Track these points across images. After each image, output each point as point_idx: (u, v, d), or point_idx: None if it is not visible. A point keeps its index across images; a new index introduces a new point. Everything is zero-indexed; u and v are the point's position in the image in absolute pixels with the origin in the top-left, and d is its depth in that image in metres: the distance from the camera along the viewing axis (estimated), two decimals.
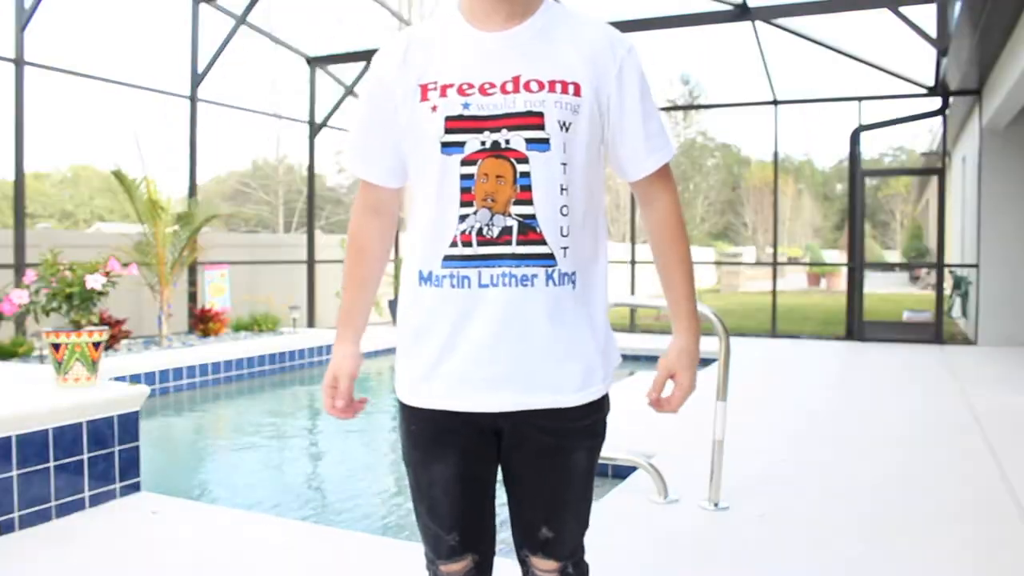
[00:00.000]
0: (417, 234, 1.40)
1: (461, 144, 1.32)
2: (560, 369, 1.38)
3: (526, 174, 1.32)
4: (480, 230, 1.32)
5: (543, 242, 1.33)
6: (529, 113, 1.32)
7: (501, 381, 1.36)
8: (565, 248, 1.35)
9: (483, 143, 1.32)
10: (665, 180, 1.46)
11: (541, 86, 1.33)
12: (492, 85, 1.33)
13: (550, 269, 1.34)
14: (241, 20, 8.90)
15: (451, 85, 1.34)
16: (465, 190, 1.33)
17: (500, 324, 1.34)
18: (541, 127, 1.32)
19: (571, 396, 1.39)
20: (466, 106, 1.33)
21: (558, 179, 1.33)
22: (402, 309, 1.46)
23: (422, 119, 1.35)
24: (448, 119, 1.33)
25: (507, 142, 1.32)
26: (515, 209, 1.32)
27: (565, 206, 1.34)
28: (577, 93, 1.34)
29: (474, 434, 1.42)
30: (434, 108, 1.34)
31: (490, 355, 1.35)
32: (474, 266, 1.33)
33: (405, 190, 1.54)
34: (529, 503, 1.47)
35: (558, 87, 1.33)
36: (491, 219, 1.32)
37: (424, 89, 1.36)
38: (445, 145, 1.33)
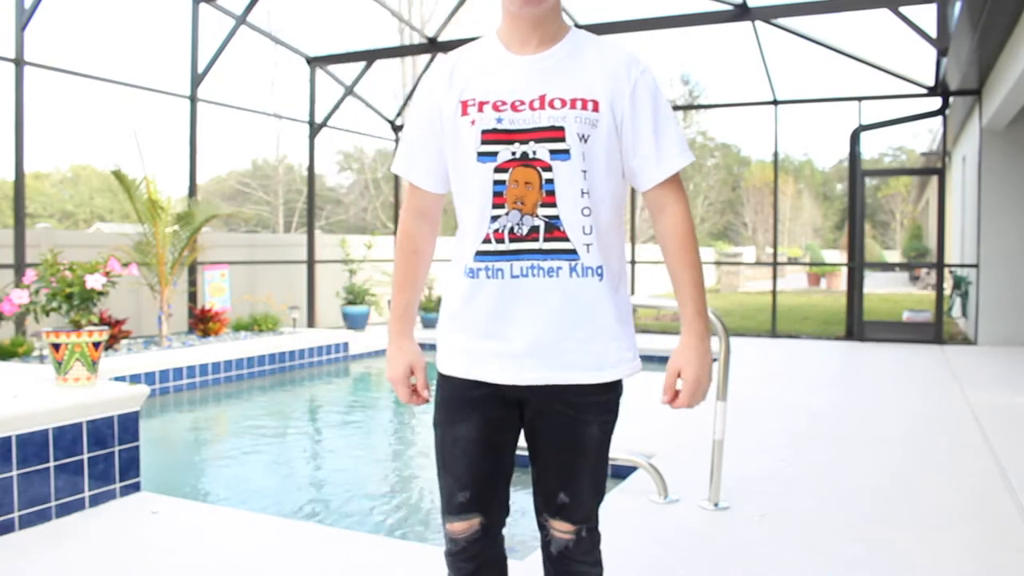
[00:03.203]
0: (461, 232, 1.60)
1: (494, 154, 1.52)
2: (581, 350, 1.54)
3: (550, 180, 1.51)
4: (511, 229, 1.51)
5: (566, 239, 1.51)
6: (552, 127, 1.50)
7: (527, 358, 1.54)
8: (588, 245, 1.52)
9: (513, 153, 1.51)
10: (674, 190, 1.59)
11: (564, 103, 1.51)
12: (522, 102, 1.51)
13: (573, 263, 1.52)
14: (241, 20, 8.90)
15: (487, 102, 1.53)
16: (497, 194, 1.52)
17: (529, 309, 1.53)
18: (562, 139, 1.50)
19: (588, 375, 1.55)
20: (499, 120, 1.52)
21: (579, 184, 1.51)
22: (445, 296, 1.66)
23: (462, 131, 1.55)
24: (484, 132, 1.52)
25: (534, 152, 1.50)
26: (542, 211, 1.51)
27: (587, 208, 1.52)
28: (595, 109, 1.51)
29: (499, 404, 1.60)
30: (472, 122, 1.53)
31: (518, 335, 1.54)
32: (506, 260, 1.52)
33: (446, 197, 1.73)
34: (548, 471, 1.63)
35: (578, 104, 1.51)
36: (521, 219, 1.51)
37: (464, 105, 1.55)
38: (481, 155, 1.53)
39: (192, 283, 8.66)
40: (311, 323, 10.40)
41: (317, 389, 7.28)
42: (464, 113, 1.54)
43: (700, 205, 28.28)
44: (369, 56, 10.34)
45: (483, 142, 1.52)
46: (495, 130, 1.51)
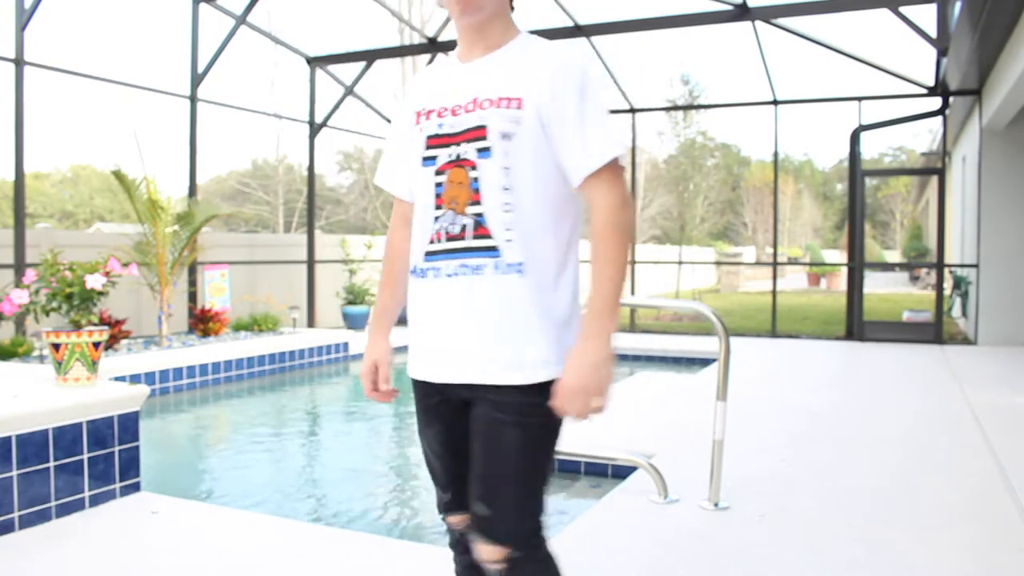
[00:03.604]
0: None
1: (434, 158, 1.58)
2: (497, 349, 1.52)
3: (476, 179, 1.54)
4: (447, 228, 1.56)
5: (490, 236, 1.53)
6: (478, 127, 1.54)
7: (452, 356, 1.56)
8: (509, 241, 1.52)
9: (450, 155, 1.56)
10: (604, 183, 1.52)
11: (491, 103, 1.54)
12: (460, 107, 1.57)
13: (496, 260, 1.52)
14: (241, 20, 8.90)
15: (433, 110, 1.61)
16: (438, 195, 1.57)
17: (456, 306, 1.55)
18: (485, 138, 1.53)
19: (502, 375, 1.52)
20: (440, 126, 1.59)
21: (501, 181, 1.52)
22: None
23: (415, 139, 1.63)
24: (428, 137, 1.60)
25: (464, 153, 1.55)
26: (470, 209, 1.54)
27: (508, 204, 1.52)
28: (519, 107, 1.52)
29: (451, 409, 1.62)
30: (421, 130, 1.62)
31: (446, 333, 1.57)
32: (444, 259, 1.56)
33: None
34: (472, 479, 1.59)
35: (503, 103, 1.53)
36: (454, 219, 1.55)
37: (417, 115, 1.64)
38: (424, 159, 1.60)
39: (192, 283, 8.66)
40: (311, 323, 10.40)
41: (317, 389, 7.28)
42: (416, 122, 1.63)
43: (700, 205, 28.27)
44: (369, 56, 10.35)
45: (427, 147, 1.59)
46: (436, 135, 1.58)
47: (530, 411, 1.52)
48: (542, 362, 1.51)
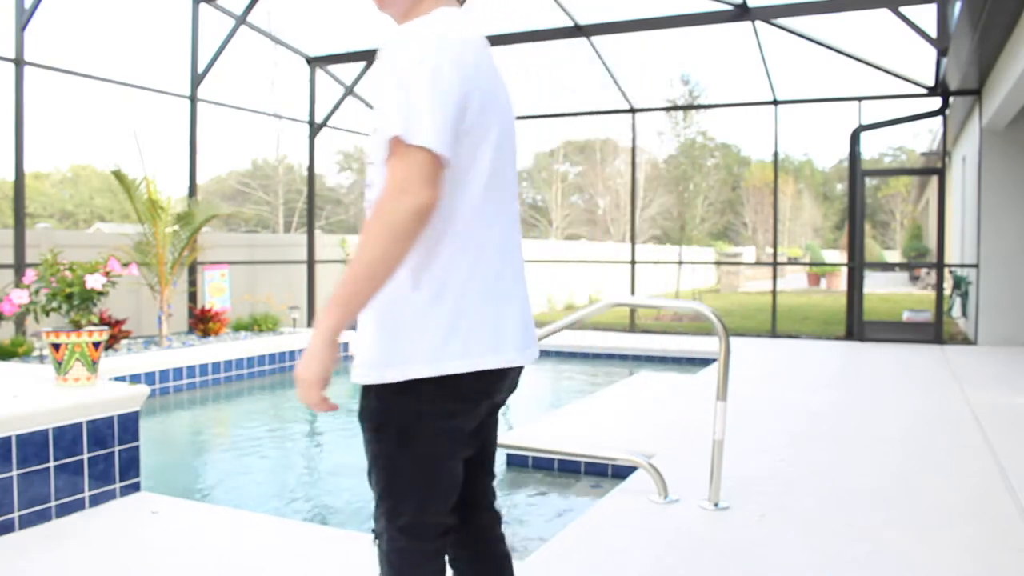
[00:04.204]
0: None
1: None
2: (357, 349, 1.55)
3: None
4: None
5: None
6: None
7: None
8: None
9: None
10: (391, 166, 1.39)
11: None
12: None
13: None
14: (241, 20, 8.90)
15: None
16: None
17: None
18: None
19: (353, 372, 1.54)
20: None
21: (368, 179, 1.53)
22: None
23: None
24: None
25: None
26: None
27: (368, 200, 1.53)
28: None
29: None
30: None
31: None
32: None
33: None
34: None
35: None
36: None
37: None
38: None
39: (192, 283, 8.66)
40: (311, 323, 10.40)
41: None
42: None
43: (700, 205, 28.27)
44: (369, 56, 10.34)
45: None
46: None
47: (364, 415, 1.55)
48: (367, 364, 1.49)
